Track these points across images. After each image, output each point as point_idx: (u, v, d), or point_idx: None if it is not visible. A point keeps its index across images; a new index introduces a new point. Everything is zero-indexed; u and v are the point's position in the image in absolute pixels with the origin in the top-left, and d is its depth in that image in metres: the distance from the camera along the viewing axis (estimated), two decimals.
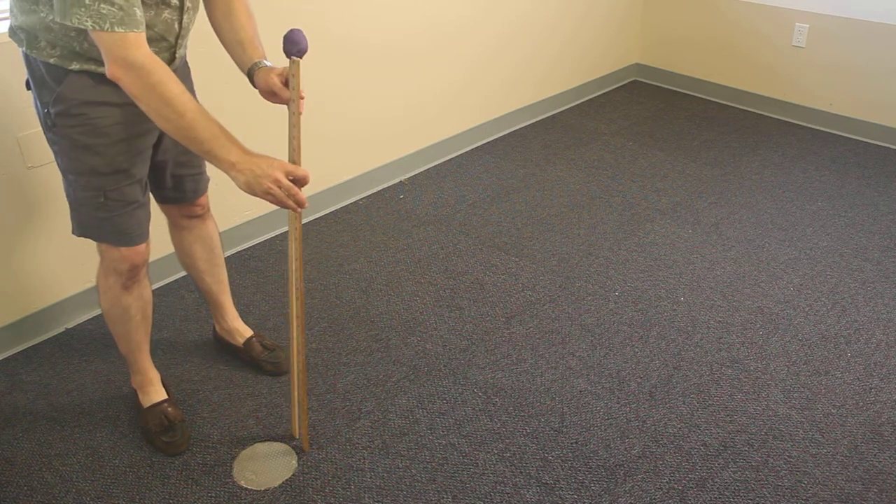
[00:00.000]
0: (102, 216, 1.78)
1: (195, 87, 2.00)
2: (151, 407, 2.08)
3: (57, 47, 1.62)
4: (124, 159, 1.74)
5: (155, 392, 2.10)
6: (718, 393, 2.23)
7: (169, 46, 1.72)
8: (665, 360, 2.36)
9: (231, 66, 1.86)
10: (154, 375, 2.11)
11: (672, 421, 2.13)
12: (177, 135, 1.57)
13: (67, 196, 1.80)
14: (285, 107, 1.71)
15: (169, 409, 2.07)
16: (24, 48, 1.66)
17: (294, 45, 1.61)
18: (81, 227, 1.82)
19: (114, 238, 1.81)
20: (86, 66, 1.64)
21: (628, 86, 4.62)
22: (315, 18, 2.85)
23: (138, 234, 1.83)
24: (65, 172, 1.76)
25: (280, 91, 1.71)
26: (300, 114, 1.67)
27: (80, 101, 1.66)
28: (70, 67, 1.63)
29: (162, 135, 1.86)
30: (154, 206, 1.97)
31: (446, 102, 3.57)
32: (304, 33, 1.63)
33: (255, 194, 1.58)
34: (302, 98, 1.67)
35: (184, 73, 1.92)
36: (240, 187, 1.58)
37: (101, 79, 1.64)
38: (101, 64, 1.64)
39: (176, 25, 1.69)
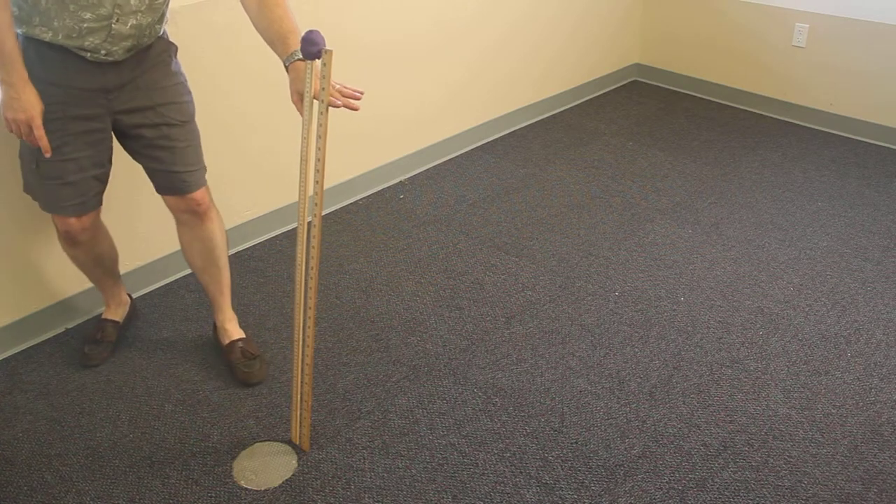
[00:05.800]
0: (34, 181, 1.98)
1: (190, 75, 2.03)
2: (99, 319, 2.40)
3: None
4: (56, 137, 1.87)
5: (110, 311, 2.40)
6: (718, 393, 2.23)
7: (107, 15, 1.77)
8: (665, 360, 2.36)
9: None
10: (109, 297, 2.37)
11: (672, 421, 2.13)
12: None
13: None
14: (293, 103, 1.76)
15: (109, 327, 2.36)
16: None
17: (314, 46, 1.61)
18: (25, 185, 2.03)
19: (43, 203, 2.01)
20: (20, 30, 1.79)
21: (628, 86, 4.61)
22: (314, 18, 2.85)
23: (64, 208, 1.98)
24: None
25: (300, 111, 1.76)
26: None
27: (34, 76, 1.79)
28: (18, 31, 1.78)
29: (132, 125, 1.97)
30: (152, 206, 1.97)
31: (446, 102, 3.57)
32: (322, 34, 1.62)
33: (3, 116, 1.80)
34: (359, 95, 1.75)
35: (154, 56, 1.95)
36: None
37: (46, 54, 1.80)
38: (32, 26, 1.78)
39: None
